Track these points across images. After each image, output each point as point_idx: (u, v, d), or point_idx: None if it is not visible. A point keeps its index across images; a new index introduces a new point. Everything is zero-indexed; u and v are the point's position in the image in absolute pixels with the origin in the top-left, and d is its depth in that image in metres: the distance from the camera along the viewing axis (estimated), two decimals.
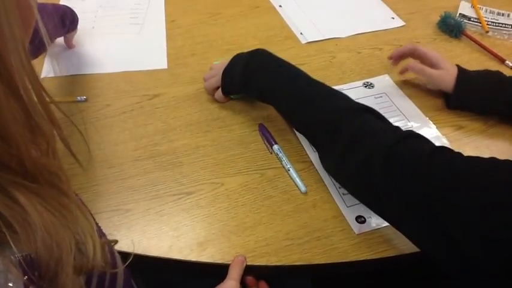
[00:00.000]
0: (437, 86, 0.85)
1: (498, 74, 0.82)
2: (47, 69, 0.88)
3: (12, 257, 0.33)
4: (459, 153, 0.54)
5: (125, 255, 0.63)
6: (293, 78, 0.72)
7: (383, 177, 0.55)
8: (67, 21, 0.88)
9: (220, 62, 0.84)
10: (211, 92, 0.86)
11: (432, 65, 0.84)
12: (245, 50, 0.97)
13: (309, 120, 0.68)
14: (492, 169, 0.50)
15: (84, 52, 0.98)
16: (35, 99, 0.36)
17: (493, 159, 0.52)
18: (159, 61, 0.96)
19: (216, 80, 0.83)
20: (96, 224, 0.51)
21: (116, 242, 0.49)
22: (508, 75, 0.81)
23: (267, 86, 0.74)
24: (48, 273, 0.35)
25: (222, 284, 0.61)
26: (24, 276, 0.34)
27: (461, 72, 0.82)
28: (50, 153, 0.40)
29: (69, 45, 0.97)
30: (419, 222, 0.52)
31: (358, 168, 0.59)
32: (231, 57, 0.81)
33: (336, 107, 0.66)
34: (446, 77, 0.82)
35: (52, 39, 0.88)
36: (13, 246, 0.34)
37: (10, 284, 0.34)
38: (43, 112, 0.38)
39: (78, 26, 0.96)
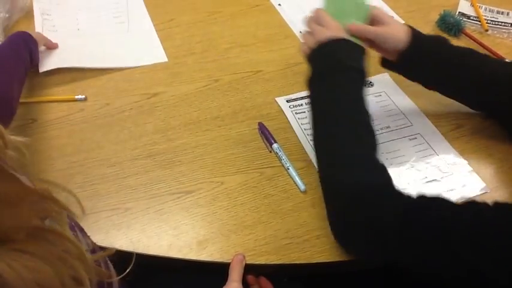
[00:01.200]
0: (384, 44, 0.75)
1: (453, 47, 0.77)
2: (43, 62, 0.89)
3: None
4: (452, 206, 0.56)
5: (124, 255, 0.64)
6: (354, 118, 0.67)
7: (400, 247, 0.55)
8: (31, 46, 0.85)
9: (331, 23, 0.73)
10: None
11: (377, 22, 0.75)
12: (245, 49, 0.97)
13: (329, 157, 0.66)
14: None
15: (78, 49, 0.96)
16: None
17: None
18: (158, 55, 0.96)
19: (308, 43, 0.74)
20: (88, 237, 0.51)
21: (113, 251, 0.49)
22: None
23: (327, 98, 0.69)
24: None
25: (224, 287, 0.61)
26: None
27: (414, 29, 0.75)
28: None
29: (51, 45, 0.93)
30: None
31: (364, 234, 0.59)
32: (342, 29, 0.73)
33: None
34: (394, 32, 0.74)
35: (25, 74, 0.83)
36: None
37: None
38: None
39: (63, 30, 0.97)
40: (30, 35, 0.86)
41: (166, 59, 0.94)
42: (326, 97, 0.68)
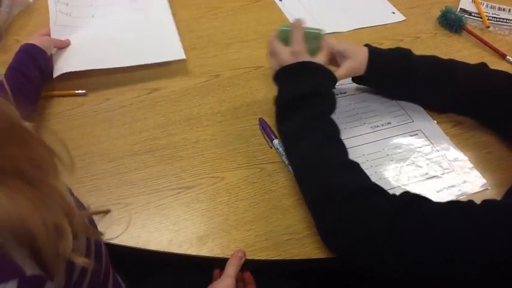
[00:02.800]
0: (346, 67, 0.77)
1: (408, 53, 0.80)
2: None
3: None
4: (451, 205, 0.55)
5: (123, 248, 0.64)
6: (315, 139, 0.66)
7: (389, 249, 0.54)
8: (39, 60, 0.80)
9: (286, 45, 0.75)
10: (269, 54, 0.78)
11: (343, 56, 0.78)
12: (245, 45, 0.97)
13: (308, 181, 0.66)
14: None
15: (90, 47, 0.90)
16: None
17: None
18: (175, 50, 0.90)
19: (278, 64, 0.74)
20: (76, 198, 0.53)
21: (108, 211, 0.53)
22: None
23: (295, 130, 0.69)
24: (25, 240, 0.37)
25: (219, 280, 0.61)
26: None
27: (373, 51, 0.78)
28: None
29: (62, 45, 0.89)
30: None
31: (354, 245, 0.58)
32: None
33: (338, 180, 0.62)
34: (357, 65, 0.77)
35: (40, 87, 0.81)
36: None
37: None
38: None
39: (78, 15, 0.92)
40: (36, 47, 0.81)
41: (184, 56, 0.89)
42: (294, 120, 0.69)
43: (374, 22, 1.06)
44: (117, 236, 0.62)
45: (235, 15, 1.07)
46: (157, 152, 0.75)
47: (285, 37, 0.75)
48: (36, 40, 0.83)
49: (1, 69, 0.87)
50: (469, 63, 0.80)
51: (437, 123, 0.82)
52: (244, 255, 0.63)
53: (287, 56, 0.73)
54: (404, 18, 1.08)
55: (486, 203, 0.53)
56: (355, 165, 0.64)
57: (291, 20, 1.05)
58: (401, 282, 0.56)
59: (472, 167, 0.75)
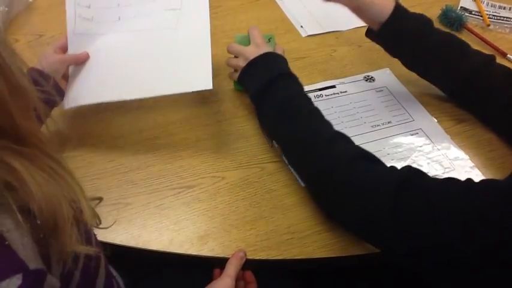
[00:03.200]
0: (368, 11, 0.78)
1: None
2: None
3: (13, 206, 0.37)
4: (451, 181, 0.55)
5: (124, 249, 0.64)
6: (300, 117, 0.68)
7: (392, 229, 0.55)
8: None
9: (247, 46, 0.78)
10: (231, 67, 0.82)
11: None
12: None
13: (302, 160, 0.67)
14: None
15: (109, 69, 0.76)
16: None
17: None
18: (204, 78, 0.71)
19: (238, 65, 0.78)
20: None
21: (100, 199, 0.55)
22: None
23: (271, 115, 0.71)
24: (48, 224, 0.39)
25: (218, 280, 0.61)
26: (26, 223, 0.38)
27: (400, 5, 0.78)
28: (31, 115, 0.41)
29: (78, 61, 0.76)
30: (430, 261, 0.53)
31: (359, 220, 0.59)
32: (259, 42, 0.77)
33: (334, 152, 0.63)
34: (379, 2, 0.77)
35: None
36: (11, 200, 0.37)
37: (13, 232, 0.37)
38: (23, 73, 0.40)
39: (101, 19, 0.78)
40: (39, 72, 0.69)
41: (211, 86, 0.71)
42: (274, 103, 0.70)
43: None
44: (106, 227, 0.61)
45: (235, 14, 1.06)
46: (157, 151, 0.75)
47: (243, 41, 0.80)
48: (45, 61, 0.73)
49: None
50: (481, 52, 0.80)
51: (438, 121, 0.82)
52: (245, 255, 0.62)
53: (251, 50, 0.76)
54: None
55: (485, 183, 0.54)
56: (344, 136, 0.65)
57: (290, 18, 1.05)
58: (405, 263, 0.57)
59: (473, 165, 0.75)
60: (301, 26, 1.03)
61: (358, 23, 1.04)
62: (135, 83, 0.74)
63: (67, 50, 0.77)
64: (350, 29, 1.03)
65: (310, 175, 0.65)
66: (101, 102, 0.74)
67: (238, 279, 0.65)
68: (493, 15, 1.07)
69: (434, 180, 0.56)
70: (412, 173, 0.57)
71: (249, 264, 0.63)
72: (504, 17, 1.06)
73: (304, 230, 0.66)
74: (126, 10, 0.80)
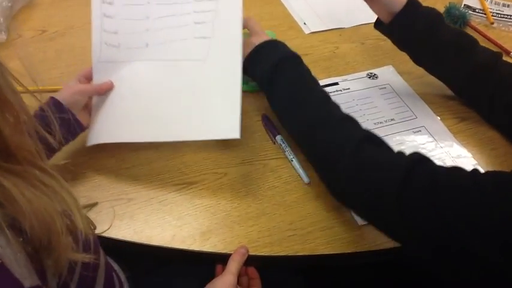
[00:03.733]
0: (379, 2, 0.79)
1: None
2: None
3: (2, 224, 0.36)
4: (457, 169, 0.55)
5: (126, 244, 0.64)
6: (307, 100, 0.69)
7: (398, 215, 0.54)
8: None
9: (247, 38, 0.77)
10: None
11: None
12: None
13: (311, 146, 0.67)
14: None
15: (133, 105, 0.72)
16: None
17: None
18: (231, 126, 0.68)
19: (247, 51, 0.76)
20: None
21: (95, 204, 0.54)
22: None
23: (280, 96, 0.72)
24: (41, 240, 0.38)
25: (220, 276, 0.61)
26: (18, 239, 0.37)
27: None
28: (20, 129, 0.40)
29: (101, 91, 0.73)
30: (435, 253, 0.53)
31: (367, 205, 0.59)
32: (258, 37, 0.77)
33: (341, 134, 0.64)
34: None
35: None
36: (1, 217, 0.36)
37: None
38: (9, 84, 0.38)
39: (129, 46, 0.74)
40: (58, 104, 0.66)
41: (238, 135, 0.68)
42: (281, 87, 0.71)
43: None
44: (105, 231, 0.62)
45: None
46: (160, 147, 0.75)
47: (244, 37, 0.78)
48: (66, 91, 0.69)
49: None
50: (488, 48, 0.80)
51: (441, 119, 0.81)
52: (247, 251, 0.62)
53: (253, 39, 0.76)
54: None
55: (490, 172, 0.54)
56: (352, 118, 0.65)
57: (293, 15, 1.05)
58: (406, 247, 0.57)
59: (476, 163, 0.75)
60: (304, 23, 1.03)
61: (361, 20, 1.05)
62: (160, 126, 0.71)
63: (91, 79, 0.74)
64: (353, 26, 1.03)
65: (321, 154, 0.65)
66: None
67: (242, 274, 0.65)
68: (497, 13, 1.07)
69: (441, 167, 0.56)
70: (420, 159, 0.57)
71: (252, 261, 0.63)
72: (508, 15, 1.06)
73: (307, 226, 0.66)
74: (154, 36, 0.75)
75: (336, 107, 0.67)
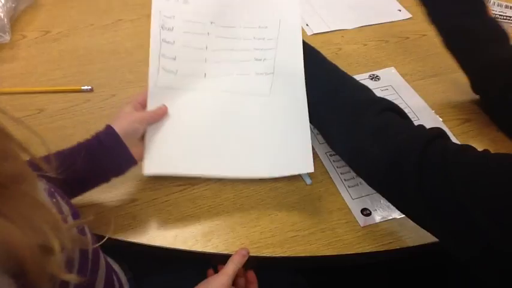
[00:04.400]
0: None
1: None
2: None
3: None
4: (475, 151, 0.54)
5: (128, 244, 0.64)
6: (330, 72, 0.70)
7: (415, 186, 0.53)
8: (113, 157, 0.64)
9: None
10: None
11: None
12: None
13: (331, 106, 0.66)
14: None
15: (191, 136, 0.70)
16: None
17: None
18: (302, 161, 0.68)
19: None
20: (70, 202, 0.51)
21: (91, 218, 0.49)
22: None
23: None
24: (16, 269, 0.35)
25: (215, 276, 0.61)
26: None
27: None
28: (5, 156, 0.37)
29: (157, 118, 0.69)
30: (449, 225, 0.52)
31: (385, 168, 0.58)
32: None
33: (363, 96, 0.65)
34: None
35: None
36: None
37: None
38: None
39: (186, 73, 0.71)
40: (116, 138, 0.63)
41: (312, 169, 0.67)
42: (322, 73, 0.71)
43: (380, 19, 1.05)
44: (104, 240, 0.62)
45: None
46: None
47: None
48: (125, 121, 0.65)
49: (6, 65, 0.88)
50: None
51: (443, 121, 0.82)
52: (248, 253, 0.62)
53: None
54: (411, 15, 1.07)
55: (500, 153, 0.53)
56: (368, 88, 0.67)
57: None
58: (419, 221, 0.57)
59: None
60: (307, 25, 1.03)
61: (364, 21, 1.05)
62: (224, 160, 0.69)
63: (146, 106, 0.70)
64: (355, 28, 1.03)
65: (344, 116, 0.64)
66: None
67: (240, 276, 0.65)
68: (500, 15, 1.07)
69: (456, 144, 0.56)
70: (440, 133, 0.58)
71: (253, 261, 0.63)
72: (511, 17, 1.06)
73: (309, 227, 0.66)
74: (213, 67, 0.72)
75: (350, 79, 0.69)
